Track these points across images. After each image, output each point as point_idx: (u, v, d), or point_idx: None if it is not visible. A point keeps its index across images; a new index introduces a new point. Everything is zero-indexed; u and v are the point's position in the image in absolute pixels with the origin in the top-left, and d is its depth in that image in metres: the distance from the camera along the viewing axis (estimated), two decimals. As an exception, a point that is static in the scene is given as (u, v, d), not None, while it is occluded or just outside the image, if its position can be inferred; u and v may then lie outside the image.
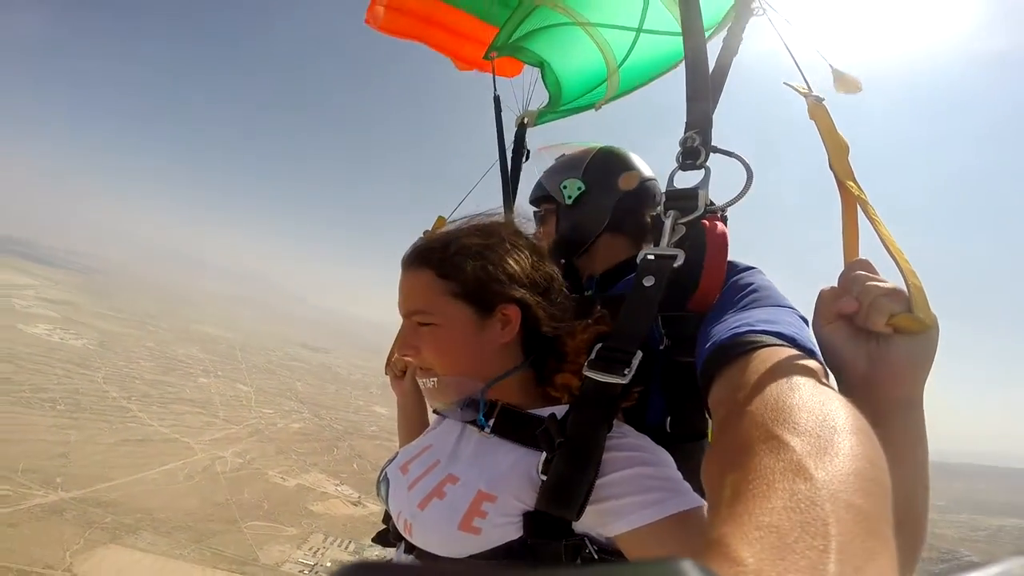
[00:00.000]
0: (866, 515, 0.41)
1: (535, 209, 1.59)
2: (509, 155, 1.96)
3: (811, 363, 0.70)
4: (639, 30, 1.81)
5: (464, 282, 1.05)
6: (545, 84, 2.04)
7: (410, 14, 2.09)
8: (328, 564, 52.87)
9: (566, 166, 1.53)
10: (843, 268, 0.87)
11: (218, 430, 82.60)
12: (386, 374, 1.56)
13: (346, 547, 57.38)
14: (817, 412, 0.55)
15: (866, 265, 0.85)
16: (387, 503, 1.10)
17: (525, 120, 2.03)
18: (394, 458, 1.19)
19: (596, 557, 0.90)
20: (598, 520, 0.86)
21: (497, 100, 2.00)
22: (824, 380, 0.67)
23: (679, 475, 0.88)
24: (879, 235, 0.84)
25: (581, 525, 0.87)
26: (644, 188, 1.45)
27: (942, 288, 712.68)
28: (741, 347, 0.76)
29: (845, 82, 1.14)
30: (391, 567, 0.23)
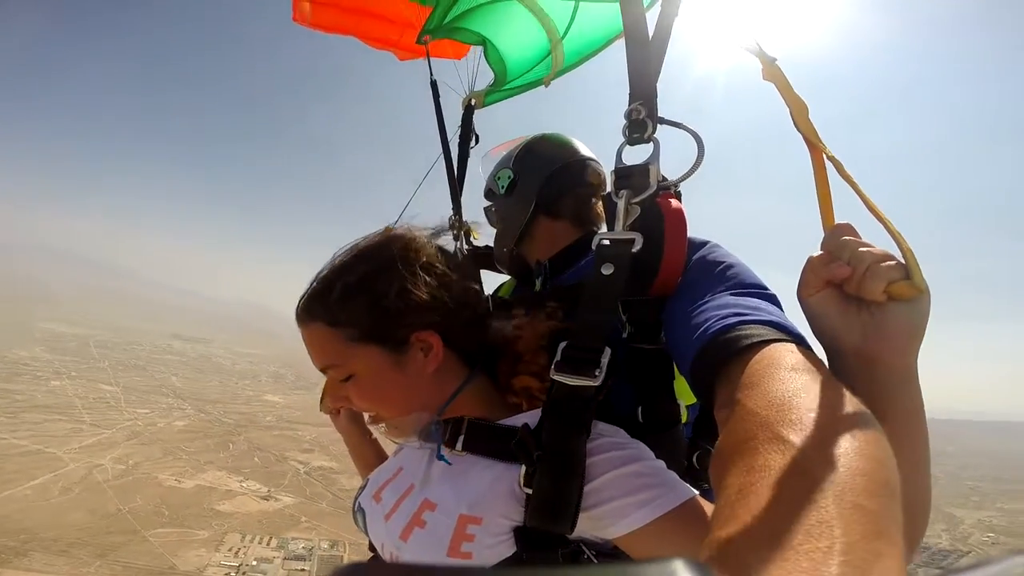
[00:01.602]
0: (872, 516, 0.40)
1: (487, 205, 1.59)
2: (457, 140, 1.86)
3: (812, 356, 0.68)
4: None
5: (360, 324, 0.97)
6: (489, 63, 1.95)
7: (339, 7, 1.94)
8: (253, 563, 50.15)
9: (502, 159, 1.54)
10: (825, 234, 0.81)
11: (87, 436, 72.60)
12: (321, 411, 1.43)
13: (267, 543, 54.17)
14: (824, 411, 0.53)
15: (850, 229, 0.78)
16: (367, 534, 1.07)
17: (472, 102, 1.92)
18: (365, 486, 1.14)
19: (595, 562, 0.87)
20: (594, 525, 0.82)
21: (434, 85, 1.90)
22: (828, 374, 0.64)
23: (663, 464, 0.84)
24: (860, 197, 0.77)
25: (576, 531, 0.82)
26: (573, 165, 1.43)
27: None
28: (738, 342, 0.71)
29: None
30: (388, 567, 0.23)
